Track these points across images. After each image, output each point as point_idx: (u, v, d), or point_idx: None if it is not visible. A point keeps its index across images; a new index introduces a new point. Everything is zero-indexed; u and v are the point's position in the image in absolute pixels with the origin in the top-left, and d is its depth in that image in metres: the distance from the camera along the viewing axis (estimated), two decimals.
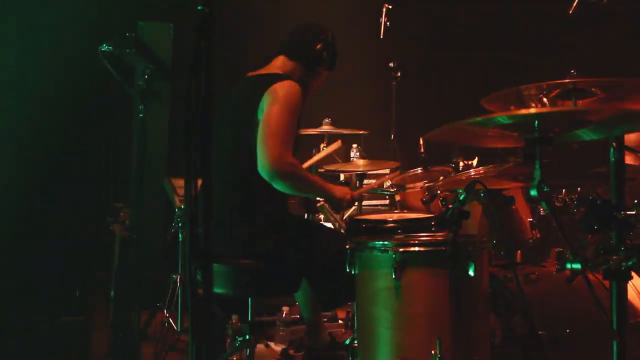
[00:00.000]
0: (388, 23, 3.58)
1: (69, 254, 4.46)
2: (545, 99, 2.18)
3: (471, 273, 1.98)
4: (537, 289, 2.53)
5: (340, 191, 2.66)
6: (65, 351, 3.49)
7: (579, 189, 2.65)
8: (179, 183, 3.56)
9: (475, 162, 3.06)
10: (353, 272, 2.14)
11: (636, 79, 1.91)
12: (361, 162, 3.40)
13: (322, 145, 3.59)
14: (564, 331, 2.36)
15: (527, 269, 2.64)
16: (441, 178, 2.94)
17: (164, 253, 4.17)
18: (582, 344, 2.38)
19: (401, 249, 1.99)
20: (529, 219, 2.71)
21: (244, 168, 2.47)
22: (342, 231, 2.93)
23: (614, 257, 1.72)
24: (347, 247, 2.14)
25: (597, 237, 1.87)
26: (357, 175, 3.45)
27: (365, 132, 3.97)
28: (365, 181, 3.58)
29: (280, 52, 2.70)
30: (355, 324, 2.21)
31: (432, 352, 1.94)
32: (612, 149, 1.86)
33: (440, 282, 1.98)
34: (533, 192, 1.66)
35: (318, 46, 2.64)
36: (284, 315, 3.52)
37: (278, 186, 2.43)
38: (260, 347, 3.24)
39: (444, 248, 1.97)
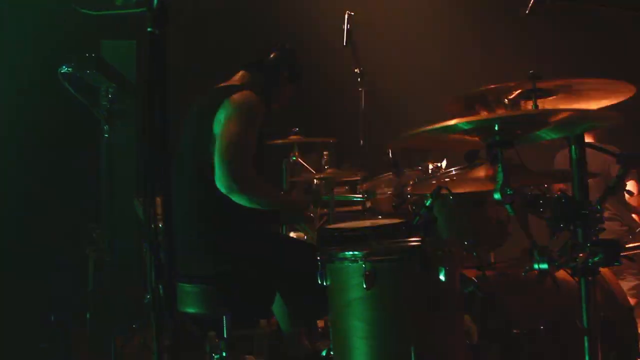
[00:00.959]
0: (350, 29, 3.59)
1: (43, 277, 4.39)
2: (506, 100, 2.21)
3: (442, 278, 1.98)
4: (511, 288, 2.54)
5: (299, 206, 2.67)
6: None
7: (545, 185, 2.67)
8: None
9: (444, 163, 3.08)
10: (325, 284, 2.13)
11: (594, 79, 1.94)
12: (331, 170, 3.40)
13: (291, 155, 3.58)
14: (539, 327, 2.38)
15: (500, 268, 2.65)
16: (411, 182, 2.95)
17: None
18: (556, 339, 2.40)
19: (371, 259, 1.98)
20: (499, 219, 2.72)
21: (209, 184, 2.45)
22: (314, 241, 2.92)
23: (581, 255, 1.74)
24: (317, 259, 2.13)
25: (565, 234, 1.89)
26: (325, 182, 3.44)
27: (334, 140, 3.97)
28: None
29: (241, 67, 2.70)
30: (331, 336, 2.20)
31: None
32: (572, 147, 1.88)
33: (412, 289, 1.98)
34: (496, 196, 1.67)
35: (272, 55, 2.64)
36: (262, 328, 3.50)
37: (237, 200, 2.41)
38: None
39: (413, 255, 1.97)
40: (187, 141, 2.56)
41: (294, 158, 3.57)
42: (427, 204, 1.97)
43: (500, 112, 1.93)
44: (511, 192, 1.66)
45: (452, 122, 1.55)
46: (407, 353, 1.93)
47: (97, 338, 3.55)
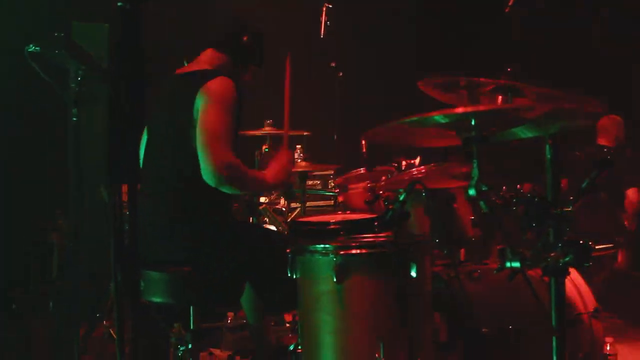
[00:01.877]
0: (328, 22, 3.56)
1: (6, 265, 4.28)
2: (483, 93, 2.19)
3: (413, 274, 1.97)
4: (480, 287, 2.54)
5: (279, 174, 2.57)
6: None
7: (517, 185, 2.67)
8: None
9: (417, 161, 3.06)
10: (295, 277, 2.09)
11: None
12: (304, 163, 3.36)
13: (264, 147, 3.54)
14: (507, 327, 2.38)
15: (469, 266, 2.65)
16: (383, 178, 2.93)
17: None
18: (524, 339, 2.40)
19: (342, 252, 1.96)
20: (470, 217, 2.72)
21: (183, 172, 2.40)
22: (285, 233, 2.89)
23: (552, 254, 1.74)
24: (288, 251, 2.10)
25: (537, 233, 1.88)
26: (299, 176, 3.40)
27: (307, 134, 3.94)
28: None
29: (208, 45, 2.62)
30: (299, 330, 2.17)
31: (376, 355, 1.91)
32: (547, 146, 1.87)
33: (382, 284, 1.96)
34: (471, 192, 1.65)
35: (245, 38, 2.58)
36: (229, 321, 3.46)
37: (226, 190, 2.37)
38: (203, 355, 3.17)
39: (385, 250, 1.95)
40: (160, 129, 2.49)
41: (267, 150, 3.53)
42: (401, 199, 1.95)
43: (477, 106, 1.91)
44: (486, 188, 1.64)
45: (427, 115, 1.52)
46: (376, 349, 1.91)
47: (60, 328, 3.47)
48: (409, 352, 1.97)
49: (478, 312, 2.42)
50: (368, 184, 3.02)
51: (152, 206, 2.44)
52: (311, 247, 2.05)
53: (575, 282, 2.71)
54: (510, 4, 2.51)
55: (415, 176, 2.68)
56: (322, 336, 1.99)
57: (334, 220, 2.40)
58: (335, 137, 3.57)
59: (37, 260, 4.31)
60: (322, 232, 2.33)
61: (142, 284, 2.41)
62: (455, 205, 2.74)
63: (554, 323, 1.78)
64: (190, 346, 2.57)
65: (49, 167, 4.40)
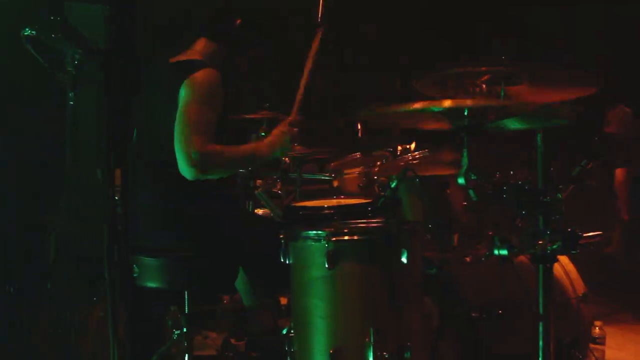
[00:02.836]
0: (326, 4, 3.53)
1: (4, 248, 4.29)
2: (480, 85, 2.20)
3: (404, 260, 1.99)
4: (471, 272, 2.58)
5: (277, 140, 2.54)
6: (3, 353, 3.38)
7: (511, 172, 2.69)
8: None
9: (413, 146, 3.08)
10: (288, 262, 2.12)
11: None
12: (299, 147, 3.36)
13: (261, 131, 3.54)
14: (497, 312, 2.42)
15: (462, 252, 2.68)
16: (378, 163, 2.95)
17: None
18: (514, 323, 2.44)
19: (334, 238, 1.98)
20: (463, 203, 2.74)
21: (172, 159, 2.41)
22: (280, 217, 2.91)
23: (540, 242, 1.76)
24: (281, 237, 2.12)
25: (527, 221, 1.91)
26: (295, 160, 3.42)
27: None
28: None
29: (202, 34, 2.62)
30: (291, 314, 2.20)
31: (367, 339, 1.95)
32: (539, 135, 1.89)
33: (374, 270, 1.99)
34: (460, 180, 1.67)
35: (237, 25, 2.57)
36: (225, 304, 3.49)
37: (211, 177, 2.38)
38: (199, 338, 3.21)
39: (376, 236, 1.97)
40: (151, 116, 2.49)
41: (262, 134, 3.53)
42: (393, 185, 1.97)
43: (470, 99, 1.92)
44: (475, 177, 1.66)
45: (417, 105, 1.54)
46: (367, 334, 1.94)
47: (58, 311, 3.50)
48: (399, 337, 2.01)
49: (469, 297, 2.46)
50: (363, 168, 3.03)
51: (145, 192, 2.45)
52: (303, 233, 2.07)
53: (565, 267, 2.74)
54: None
55: (409, 162, 2.70)
56: (313, 321, 2.02)
57: (327, 206, 2.43)
58: (332, 121, 3.57)
59: (34, 243, 4.32)
60: (317, 217, 2.36)
61: (137, 269, 2.43)
62: (448, 191, 2.76)
63: (540, 309, 1.81)
64: (185, 330, 2.60)
65: (46, 150, 4.40)
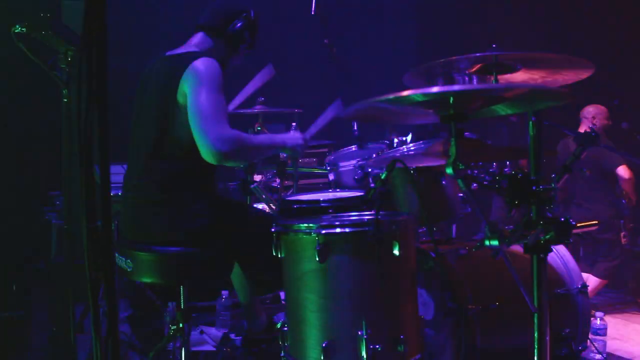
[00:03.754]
0: None
1: (5, 246, 4.30)
2: (469, 73, 2.18)
3: (396, 252, 1.97)
4: (467, 263, 2.54)
5: (291, 139, 2.59)
6: (3, 348, 3.39)
7: (507, 162, 2.66)
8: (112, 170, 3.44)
9: (409, 138, 3.05)
10: (280, 256, 2.10)
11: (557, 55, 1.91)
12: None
13: (256, 126, 3.52)
14: (493, 304, 2.39)
15: (458, 243, 2.65)
16: (374, 155, 2.93)
17: None
18: (510, 315, 2.41)
19: (324, 231, 1.95)
20: (459, 194, 2.72)
21: (168, 153, 2.39)
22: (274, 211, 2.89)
23: (532, 232, 1.73)
24: (273, 230, 2.10)
25: (522, 211, 1.88)
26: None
27: (299, 111, 3.92)
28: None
29: (199, 28, 2.59)
30: (285, 308, 2.18)
31: (359, 333, 1.93)
32: (530, 124, 1.86)
33: (365, 262, 1.96)
34: (448, 170, 1.64)
35: (239, 24, 2.55)
36: (223, 300, 3.48)
37: (231, 164, 2.37)
38: (195, 333, 3.20)
39: (367, 228, 1.95)
40: (146, 111, 2.47)
41: (259, 128, 3.51)
42: (383, 177, 1.94)
43: (457, 86, 1.90)
44: (463, 167, 1.63)
45: (405, 93, 1.51)
46: (359, 327, 1.92)
47: (58, 307, 3.50)
48: (392, 330, 1.98)
49: (465, 288, 2.43)
50: (359, 161, 3.01)
51: (139, 187, 2.44)
52: (295, 227, 2.05)
53: (563, 258, 2.71)
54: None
55: (405, 153, 2.67)
56: (306, 314, 2.00)
57: (323, 199, 2.41)
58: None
59: (35, 240, 4.34)
60: (312, 211, 2.34)
61: (131, 264, 2.42)
62: (444, 182, 2.74)
63: (535, 301, 1.78)
64: (181, 325, 2.59)
65: (45, 147, 4.40)
